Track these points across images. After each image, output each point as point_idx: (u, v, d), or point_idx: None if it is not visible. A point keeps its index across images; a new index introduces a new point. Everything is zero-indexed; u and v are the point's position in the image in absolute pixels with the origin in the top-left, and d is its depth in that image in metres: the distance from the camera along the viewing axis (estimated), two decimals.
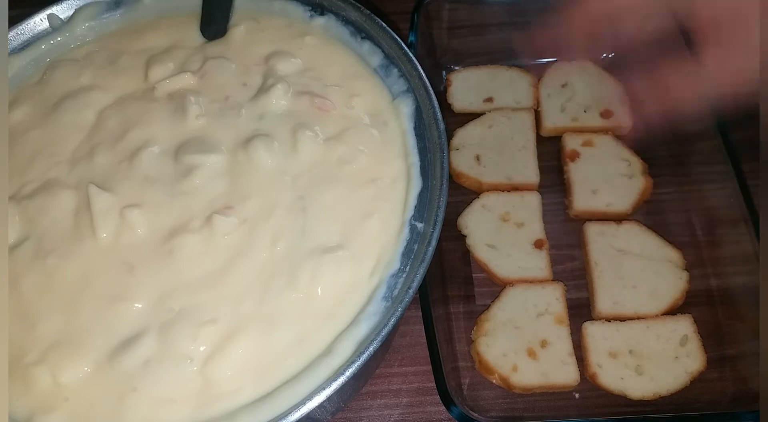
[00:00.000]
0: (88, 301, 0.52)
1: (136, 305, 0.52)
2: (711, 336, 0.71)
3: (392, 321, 0.49)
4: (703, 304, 0.73)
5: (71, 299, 0.53)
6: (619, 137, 0.83)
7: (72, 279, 0.53)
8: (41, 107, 0.63)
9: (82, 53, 0.67)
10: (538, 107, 0.87)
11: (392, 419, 0.70)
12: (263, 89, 0.62)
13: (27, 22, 0.66)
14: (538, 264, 0.76)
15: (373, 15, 0.64)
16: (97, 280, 0.53)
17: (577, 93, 0.86)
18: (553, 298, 0.73)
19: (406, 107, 0.60)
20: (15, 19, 0.65)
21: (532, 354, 0.70)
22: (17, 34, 0.66)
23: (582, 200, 0.79)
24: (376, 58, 0.63)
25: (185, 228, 0.55)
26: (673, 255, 0.75)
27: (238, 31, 0.67)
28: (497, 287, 0.75)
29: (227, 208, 0.55)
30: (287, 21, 0.68)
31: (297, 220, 0.55)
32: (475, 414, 0.60)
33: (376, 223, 0.56)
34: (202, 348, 0.50)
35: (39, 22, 0.67)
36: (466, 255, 0.78)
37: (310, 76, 0.64)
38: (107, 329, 0.51)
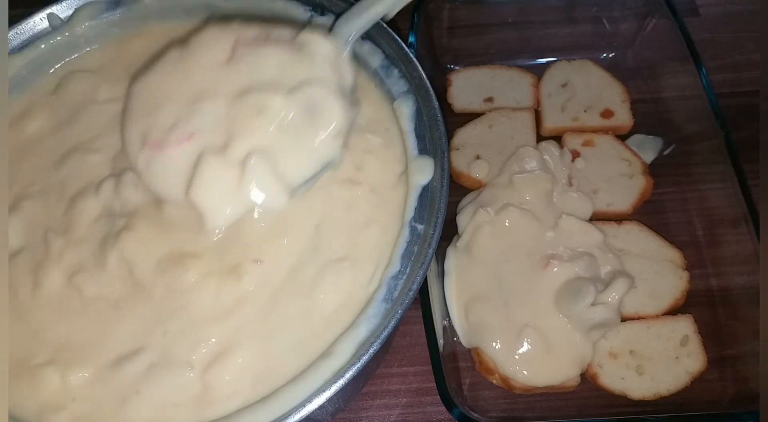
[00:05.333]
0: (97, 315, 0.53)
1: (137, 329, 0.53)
2: (711, 336, 0.71)
3: (392, 323, 0.49)
4: (704, 304, 0.73)
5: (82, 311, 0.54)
6: (619, 137, 0.83)
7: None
8: (57, 119, 0.64)
9: (95, 63, 0.67)
10: (538, 107, 0.87)
11: (392, 419, 0.70)
12: None
13: (27, 22, 0.66)
14: None
15: None
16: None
17: (577, 93, 0.86)
18: None
19: (407, 108, 0.60)
20: (15, 19, 0.65)
21: None
22: (17, 33, 0.66)
23: None
24: (377, 59, 0.63)
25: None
26: (673, 255, 0.75)
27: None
28: None
29: (257, 262, 0.54)
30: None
31: (311, 242, 0.55)
32: (476, 415, 0.60)
33: (377, 228, 0.56)
34: (202, 357, 0.51)
35: (39, 21, 0.67)
36: None
37: None
38: (112, 338, 0.52)
